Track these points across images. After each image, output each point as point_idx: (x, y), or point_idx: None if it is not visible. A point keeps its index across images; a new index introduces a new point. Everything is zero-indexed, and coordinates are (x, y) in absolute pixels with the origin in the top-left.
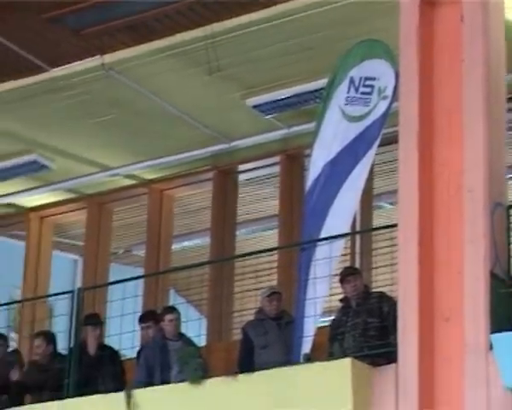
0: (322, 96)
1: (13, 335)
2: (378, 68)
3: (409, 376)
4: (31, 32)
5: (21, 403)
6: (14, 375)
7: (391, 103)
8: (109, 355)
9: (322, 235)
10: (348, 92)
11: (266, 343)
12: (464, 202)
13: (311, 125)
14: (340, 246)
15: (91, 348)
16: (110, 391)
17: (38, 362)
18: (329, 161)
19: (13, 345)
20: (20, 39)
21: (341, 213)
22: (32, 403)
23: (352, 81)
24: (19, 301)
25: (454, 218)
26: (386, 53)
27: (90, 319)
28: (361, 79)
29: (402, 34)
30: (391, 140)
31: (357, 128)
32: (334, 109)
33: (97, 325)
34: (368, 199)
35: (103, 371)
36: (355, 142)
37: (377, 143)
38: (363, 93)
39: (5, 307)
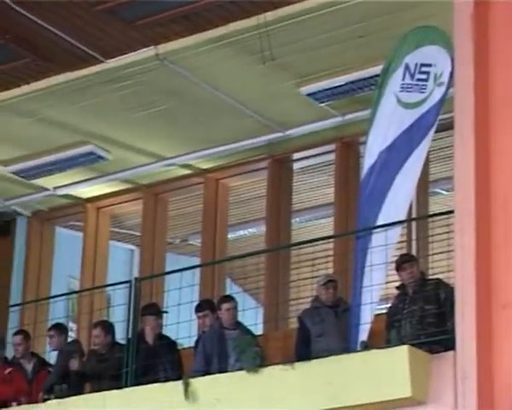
0: (376, 83)
1: (71, 325)
2: (434, 55)
3: (467, 363)
4: (85, 24)
5: (81, 392)
6: (74, 364)
7: (447, 90)
8: (167, 345)
9: (379, 222)
10: (403, 79)
11: (323, 331)
12: None
13: (366, 113)
14: (397, 233)
15: (150, 338)
16: (168, 380)
17: (97, 351)
18: (385, 148)
19: (71, 335)
20: (74, 31)
21: (398, 201)
22: (91, 392)
23: (407, 68)
24: (77, 292)
25: (511, 203)
26: (441, 39)
27: (149, 308)
28: (416, 65)
29: (456, 20)
30: (447, 126)
31: (412, 115)
32: (389, 96)
33: (158, 315)
34: (424, 185)
35: (162, 360)
36: (411, 129)
37: (433, 129)
38: (418, 80)
39: (64, 297)
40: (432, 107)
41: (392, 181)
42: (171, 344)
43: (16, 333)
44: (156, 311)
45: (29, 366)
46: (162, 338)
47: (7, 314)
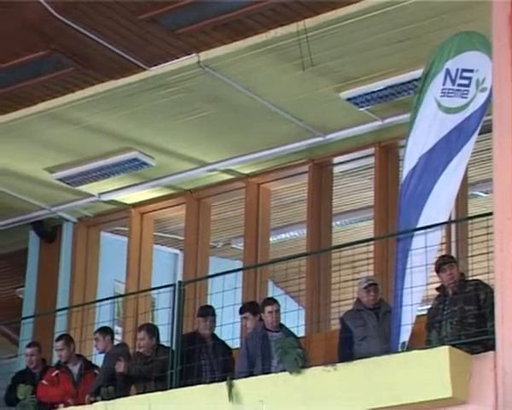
0: (415, 88)
1: (117, 328)
2: (475, 60)
3: (507, 363)
4: (129, 33)
5: (127, 394)
6: (120, 367)
7: (490, 95)
8: (225, 346)
9: (420, 225)
10: (444, 84)
11: (365, 335)
12: None
13: (406, 117)
14: (438, 236)
15: (207, 338)
16: (213, 381)
17: (142, 354)
18: (426, 152)
19: (117, 338)
20: (118, 40)
21: (439, 204)
22: (137, 394)
23: (448, 73)
24: (122, 296)
25: None
26: (483, 45)
27: (204, 309)
28: (457, 70)
29: (494, 23)
30: (485, 129)
31: (454, 120)
32: (429, 101)
33: (211, 316)
34: (463, 188)
35: (216, 360)
36: (452, 133)
37: (476, 134)
38: (460, 85)
39: (110, 301)
40: (474, 112)
41: (434, 184)
42: (227, 347)
43: (58, 339)
44: (210, 311)
45: (75, 369)
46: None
47: (54, 318)
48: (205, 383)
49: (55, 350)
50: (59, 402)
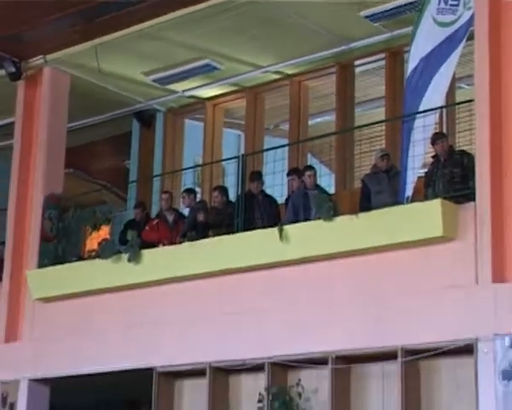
0: (417, 7)
1: (198, 189)
2: None
3: (484, 211)
4: None
5: (205, 237)
6: (200, 217)
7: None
8: (270, 199)
9: (421, 109)
10: (439, 4)
11: (379, 190)
12: None
13: (409, 30)
14: (433, 118)
15: (258, 195)
16: (265, 227)
17: (216, 208)
18: (425, 56)
19: (198, 196)
20: None
21: (435, 94)
22: (212, 236)
23: None
24: (201, 165)
25: None
26: None
27: (253, 174)
28: None
29: None
30: (469, 37)
31: (446, 31)
32: (427, 17)
33: (258, 180)
34: (452, 82)
35: (262, 210)
36: (445, 41)
37: (463, 42)
38: (451, 5)
39: (191, 169)
40: (462, 25)
41: (431, 80)
42: (274, 200)
43: (164, 192)
44: (259, 176)
45: (171, 218)
46: (266, 195)
47: (151, 182)
48: (258, 228)
49: (161, 200)
50: (158, 243)
